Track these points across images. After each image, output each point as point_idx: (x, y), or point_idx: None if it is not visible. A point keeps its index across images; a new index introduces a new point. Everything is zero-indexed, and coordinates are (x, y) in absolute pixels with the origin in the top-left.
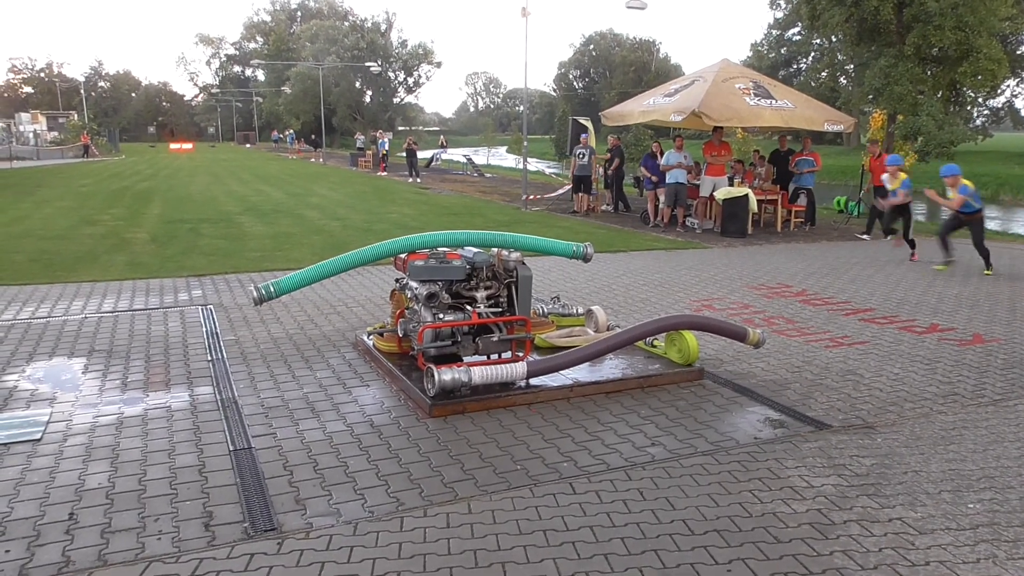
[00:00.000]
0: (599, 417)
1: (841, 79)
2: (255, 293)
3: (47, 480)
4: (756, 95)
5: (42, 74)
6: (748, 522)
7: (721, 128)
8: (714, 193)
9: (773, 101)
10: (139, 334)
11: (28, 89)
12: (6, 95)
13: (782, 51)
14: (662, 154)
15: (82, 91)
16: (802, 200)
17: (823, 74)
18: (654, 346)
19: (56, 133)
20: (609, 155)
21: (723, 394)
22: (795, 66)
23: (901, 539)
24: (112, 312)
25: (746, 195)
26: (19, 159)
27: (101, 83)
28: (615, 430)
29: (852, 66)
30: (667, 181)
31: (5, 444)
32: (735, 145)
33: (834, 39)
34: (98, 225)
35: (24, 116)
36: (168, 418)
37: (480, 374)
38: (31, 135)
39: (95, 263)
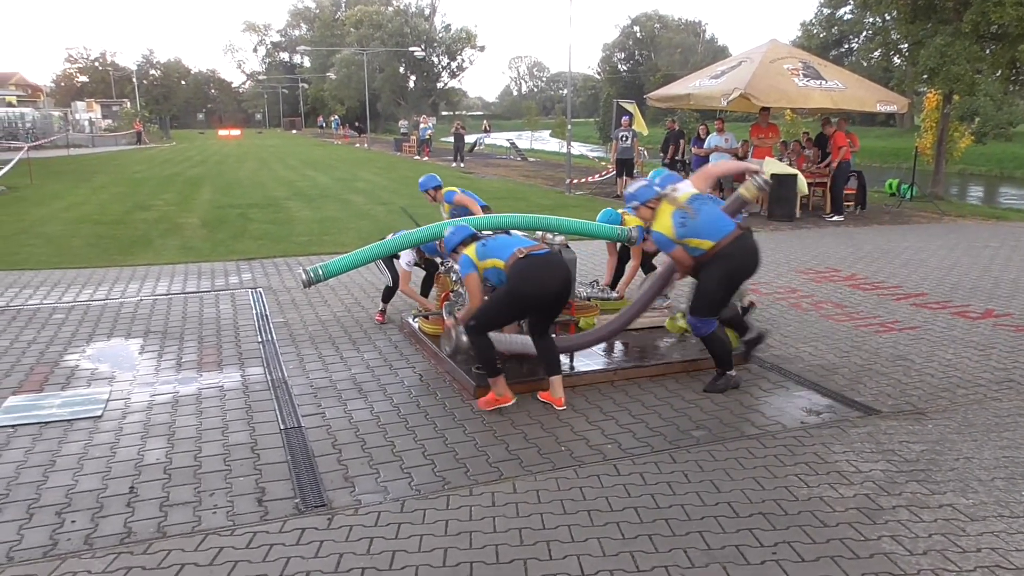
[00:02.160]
0: (643, 400)
1: (895, 58)
2: (303, 276)
3: (108, 455)
4: (805, 76)
5: (96, 63)
6: (794, 506)
7: (768, 110)
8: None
9: (823, 82)
10: (192, 316)
11: (83, 78)
12: (63, 84)
13: (833, 30)
14: (708, 136)
15: (134, 79)
16: (852, 183)
17: (875, 53)
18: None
19: (110, 121)
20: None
21: (769, 378)
22: (846, 46)
23: (951, 525)
24: (166, 295)
25: (794, 176)
26: (75, 146)
27: (152, 71)
28: (659, 413)
29: (906, 45)
30: (710, 162)
31: (69, 420)
32: (783, 127)
33: (887, 17)
34: (151, 210)
35: (80, 105)
36: (221, 397)
37: (498, 339)
38: (86, 123)
39: (149, 247)
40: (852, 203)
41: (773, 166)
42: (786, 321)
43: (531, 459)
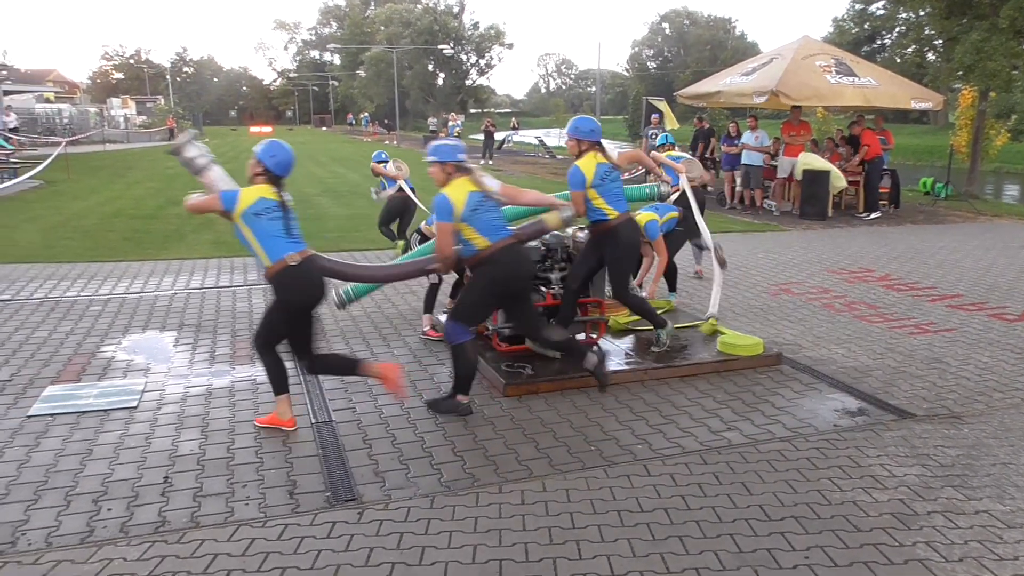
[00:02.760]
0: (674, 401)
1: (929, 55)
2: (335, 299)
3: (143, 445)
4: (838, 72)
5: (131, 61)
6: (827, 510)
7: (799, 107)
8: (795, 167)
9: (856, 79)
10: (225, 310)
11: (119, 75)
12: (99, 81)
13: (865, 26)
14: (739, 134)
15: (168, 77)
16: (886, 181)
17: (909, 50)
18: (722, 332)
19: (144, 117)
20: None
21: (801, 380)
22: (879, 42)
23: (988, 532)
24: (200, 288)
25: (827, 173)
26: (111, 142)
27: (186, 69)
28: (690, 414)
29: (940, 41)
30: (741, 162)
31: (105, 411)
32: (815, 125)
33: (921, 12)
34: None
35: (115, 101)
36: (253, 390)
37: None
38: (121, 119)
39: (182, 241)
40: (886, 202)
41: (808, 160)
42: (818, 322)
43: (561, 458)
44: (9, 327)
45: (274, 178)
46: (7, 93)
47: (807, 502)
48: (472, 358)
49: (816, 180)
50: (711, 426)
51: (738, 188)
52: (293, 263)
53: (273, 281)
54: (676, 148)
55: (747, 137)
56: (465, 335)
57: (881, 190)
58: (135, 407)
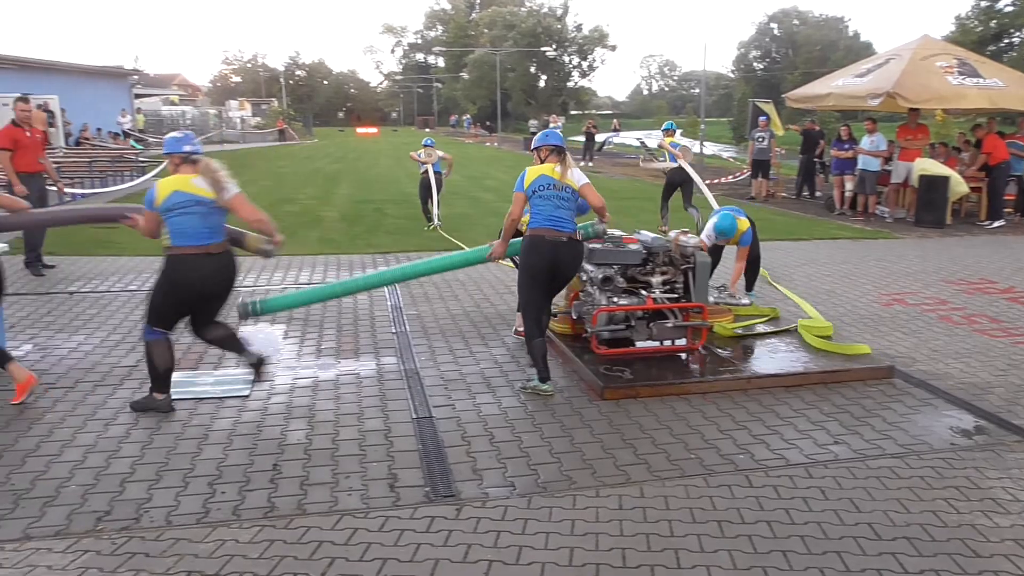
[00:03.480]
0: (778, 411)
1: None
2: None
3: (254, 432)
4: (960, 73)
5: (249, 64)
6: (942, 532)
7: (917, 110)
8: (911, 172)
9: (980, 80)
10: (331, 306)
11: (237, 79)
12: (219, 84)
13: (991, 24)
14: (851, 137)
15: (281, 80)
16: (1012, 188)
17: None
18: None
19: (259, 119)
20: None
21: (915, 395)
22: (1006, 40)
23: None
24: (307, 284)
25: (946, 179)
26: (227, 142)
27: (298, 72)
28: (795, 425)
29: None
30: (857, 166)
31: (220, 398)
32: (933, 128)
33: None
34: (294, 203)
35: (232, 103)
36: (357, 384)
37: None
38: (238, 120)
39: (292, 238)
40: (1011, 210)
41: (925, 165)
42: (934, 335)
43: (660, 464)
44: (136, 316)
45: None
46: (138, 96)
47: (921, 523)
48: (161, 358)
49: (934, 186)
50: (817, 439)
51: (848, 193)
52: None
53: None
54: (676, 134)
55: (864, 141)
56: (153, 334)
57: (1006, 197)
58: (247, 396)
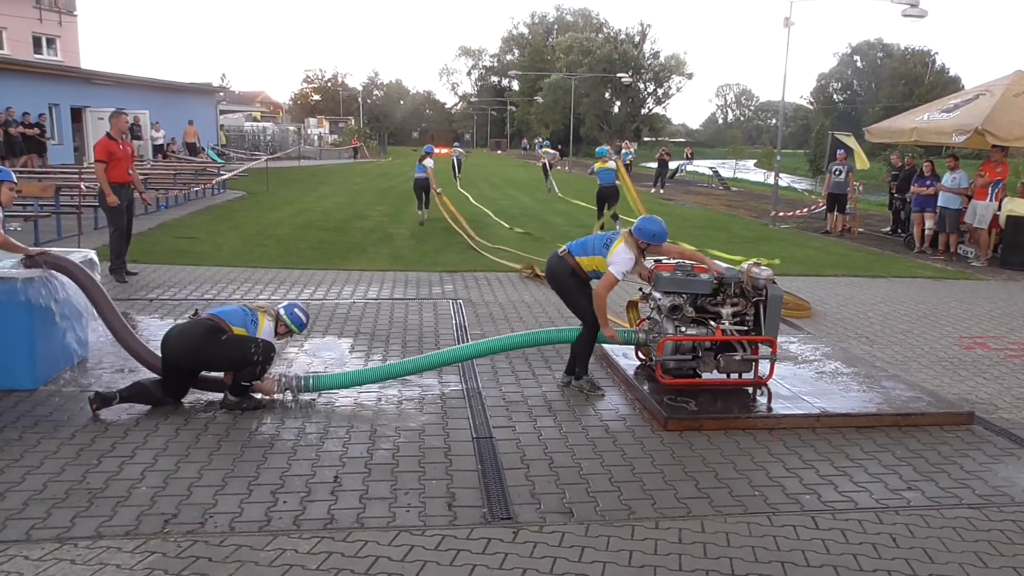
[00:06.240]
0: (848, 452)
1: None
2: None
3: (317, 444)
4: None
5: (328, 83)
6: None
7: (1002, 148)
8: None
9: None
10: (397, 321)
11: (316, 97)
12: (299, 102)
13: None
14: (933, 174)
15: (360, 99)
16: None
17: None
18: None
19: (336, 136)
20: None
21: (996, 443)
22: None
23: None
24: (376, 299)
25: None
26: (305, 158)
27: (376, 92)
28: (865, 467)
29: None
30: (938, 204)
31: (286, 407)
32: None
33: None
34: (367, 220)
35: (311, 121)
36: (420, 400)
37: None
38: (316, 137)
39: (363, 254)
40: None
41: (1014, 206)
42: (1018, 381)
43: (722, 499)
44: None
45: None
46: (223, 112)
47: None
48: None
49: (1021, 227)
50: (888, 483)
51: (928, 231)
52: None
53: None
54: (611, 161)
55: (946, 178)
56: None
57: None
58: (312, 406)
